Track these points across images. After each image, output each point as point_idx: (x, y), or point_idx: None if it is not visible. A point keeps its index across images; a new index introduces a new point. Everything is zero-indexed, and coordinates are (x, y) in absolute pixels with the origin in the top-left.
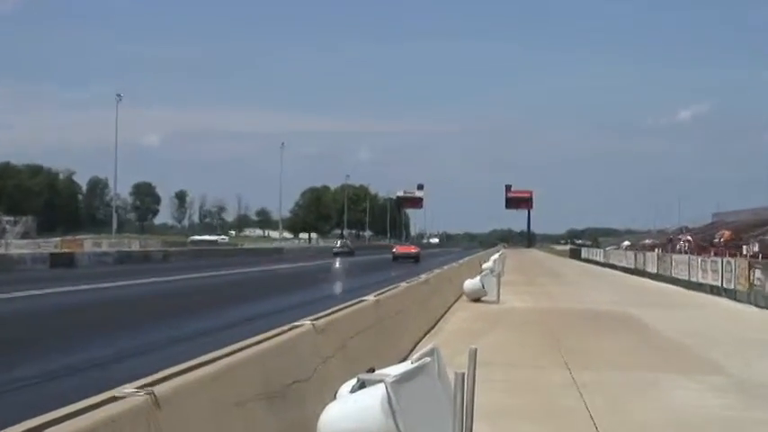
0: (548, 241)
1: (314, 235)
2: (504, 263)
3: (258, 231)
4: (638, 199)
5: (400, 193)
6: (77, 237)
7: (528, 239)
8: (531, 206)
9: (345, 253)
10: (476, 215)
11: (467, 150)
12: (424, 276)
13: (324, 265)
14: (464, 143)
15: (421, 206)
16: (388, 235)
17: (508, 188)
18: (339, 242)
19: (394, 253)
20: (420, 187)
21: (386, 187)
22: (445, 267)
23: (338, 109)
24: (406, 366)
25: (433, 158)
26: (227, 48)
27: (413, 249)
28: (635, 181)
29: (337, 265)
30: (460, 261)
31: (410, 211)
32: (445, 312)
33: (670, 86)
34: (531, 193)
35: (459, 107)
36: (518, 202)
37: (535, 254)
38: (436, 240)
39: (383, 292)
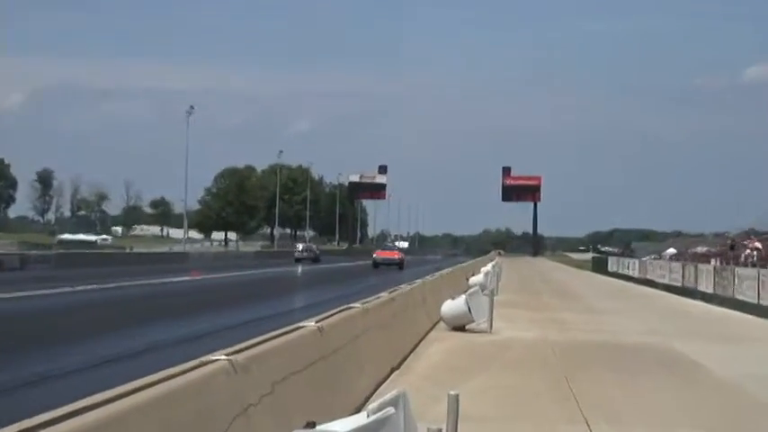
0: (561, 247)
1: (233, 235)
2: (498, 277)
3: (154, 229)
4: (687, 190)
5: (354, 178)
6: None
7: (534, 244)
8: (539, 198)
9: (309, 259)
10: (461, 210)
11: (447, 119)
12: (386, 295)
13: (285, 274)
14: (442, 109)
15: (383, 196)
16: (337, 236)
17: (506, 172)
18: (301, 246)
19: (374, 259)
20: (382, 170)
21: (334, 170)
22: (418, 282)
23: (269, 62)
24: (360, 420)
25: (401, 131)
26: None
27: (396, 255)
28: (683, 165)
29: (299, 273)
30: (438, 273)
31: (368, 203)
32: (417, 344)
33: (732, 41)
34: (538, 179)
35: (435, 58)
36: (520, 191)
37: (543, 264)
38: (404, 245)
39: (330, 316)
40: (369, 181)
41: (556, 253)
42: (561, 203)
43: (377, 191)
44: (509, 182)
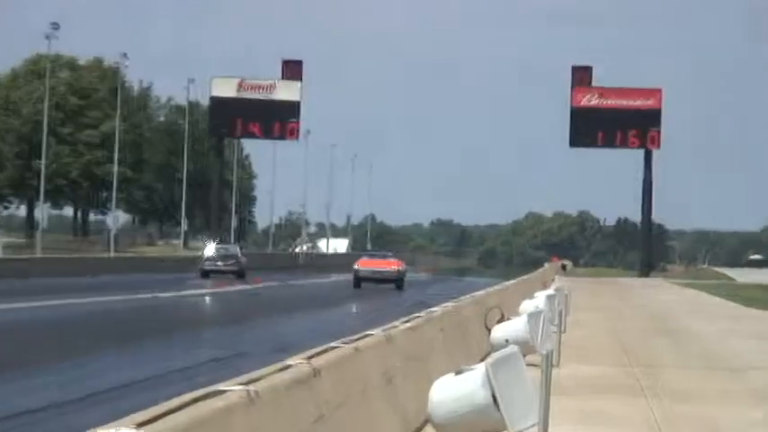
0: (703, 253)
1: None
2: (563, 326)
3: None
4: None
5: (225, 90)
6: None
7: (644, 248)
8: (656, 141)
9: (230, 273)
10: (472, 175)
11: None
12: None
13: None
14: None
15: (293, 132)
16: (183, 223)
17: (580, 77)
18: (213, 248)
19: (356, 272)
20: (291, 71)
21: (179, 73)
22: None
23: None
24: None
25: None
26: None
27: (393, 264)
28: None
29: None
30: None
31: (259, 149)
32: None
33: None
34: (656, 95)
35: None
36: (611, 124)
37: (686, 305)
38: (342, 244)
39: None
40: (259, 97)
41: (691, 269)
42: (698, 155)
43: (277, 120)
44: (587, 100)
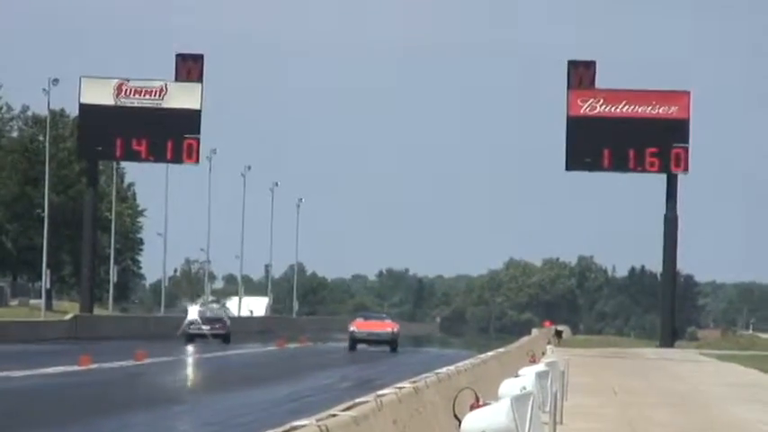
0: (741, 314)
1: None
2: (553, 417)
3: None
4: None
5: (98, 95)
6: None
7: (668, 311)
8: (684, 163)
9: (216, 336)
10: (432, 211)
11: None
12: None
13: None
14: None
15: (192, 155)
16: (45, 277)
17: (579, 77)
18: (197, 310)
19: (352, 334)
20: (192, 67)
21: (41, 73)
22: None
23: None
24: None
25: None
26: None
27: (387, 327)
28: None
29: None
30: None
31: (146, 179)
32: None
33: None
34: (684, 99)
35: None
36: (623, 141)
37: (703, 373)
38: (260, 305)
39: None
40: (146, 104)
41: (729, 335)
42: (737, 182)
43: (171, 136)
44: (588, 107)
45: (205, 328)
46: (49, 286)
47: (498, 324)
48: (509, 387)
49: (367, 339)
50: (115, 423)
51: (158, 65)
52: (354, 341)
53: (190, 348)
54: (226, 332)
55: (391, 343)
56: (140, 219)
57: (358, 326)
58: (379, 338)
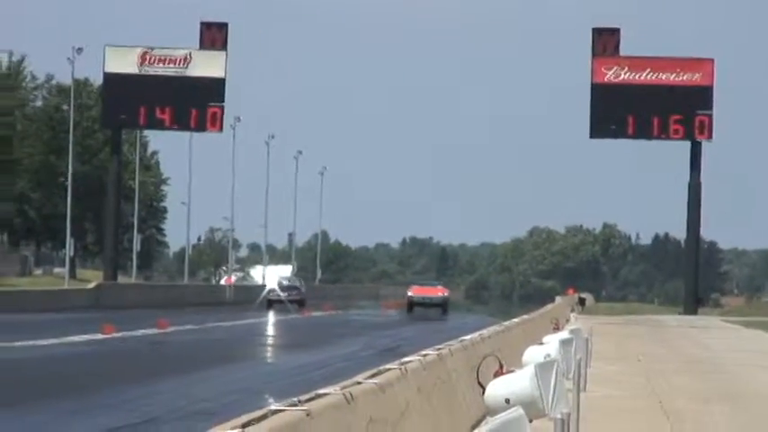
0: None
1: None
2: (577, 384)
3: None
4: None
5: (122, 64)
6: None
7: (691, 278)
8: (708, 130)
9: (294, 302)
10: (456, 179)
11: None
12: None
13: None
14: None
15: (216, 123)
16: (69, 246)
17: (605, 44)
18: (276, 277)
19: (410, 298)
20: (216, 35)
21: (65, 42)
22: None
23: None
24: None
25: None
26: None
27: (439, 291)
28: None
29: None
30: None
31: (170, 147)
32: None
33: None
34: (708, 67)
35: None
36: (646, 105)
37: (727, 339)
38: (284, 274)
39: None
40: (170, 72)
41: (755, 302)
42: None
43: (195, 105)
44: (613, 75)
45: (283, 294)
46: (72, 255)
47: (522, 291)
48: (533, 354)
49: (422, 303)
50: (141, 389)
51: (183, 33)
52: (412, 304)
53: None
54: (301, 298)
55: (443, 305)
56: (164, 187)
57: (415, 291)
58: (432, 302)
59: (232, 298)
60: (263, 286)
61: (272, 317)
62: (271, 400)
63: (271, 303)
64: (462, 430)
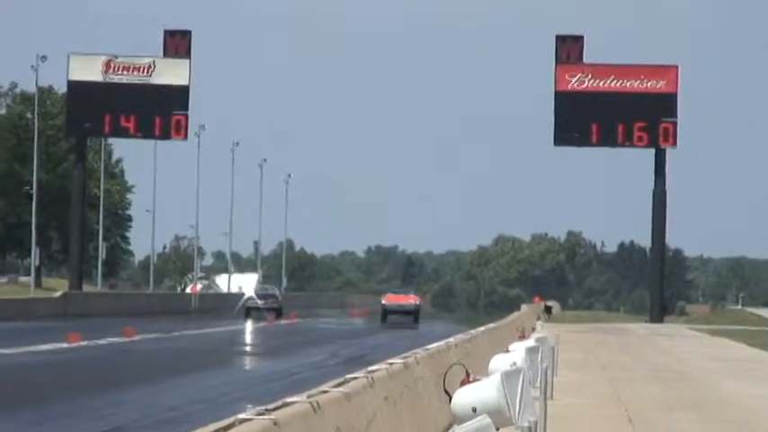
0: (735, 284)
1: None
2: (543, 392)
3: None
4: None
5: (86, 72)
6: None
7: (657, 287)
8: (672, 137)
9: (270, 310)
10: (420, 187)
11: None
12: None
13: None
14: None
15: (180, 131)
16: (34, 254)
17: (567, 51)
18: (253, 285)
19: (384, 306)
20: (180, 43)
21: (30, 50)
22: None
23: None
24: None
25: None
26: None
27: (411, 299)
28: None
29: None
30: None
31: (135, 155)
32: None
33: None
34: (672, 73)
35: None
36: (611, 112)
37: (692, 347)
38: (249, 286)
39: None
40: (134, 80)
41: (719, 310)
42: (726, 157)
43: (159, 113)
44: (576, 82)
45: (260, 302)
46: (37, 263)
47: (488, 300)
48: (499, 363)
49: (396, 310)
50: (108, 398)
51: (147, 41)
52: (386, 312)
53: (174, 325)
54: (278, 306)
55: (415, 314)
56: (129, 195)
57: (388, 299)
58: (404, 309)
59: (198, 306)
60: (237, 294)
61: (240, 325)
62: (238, 409)
63: (249, 311)
64: None
